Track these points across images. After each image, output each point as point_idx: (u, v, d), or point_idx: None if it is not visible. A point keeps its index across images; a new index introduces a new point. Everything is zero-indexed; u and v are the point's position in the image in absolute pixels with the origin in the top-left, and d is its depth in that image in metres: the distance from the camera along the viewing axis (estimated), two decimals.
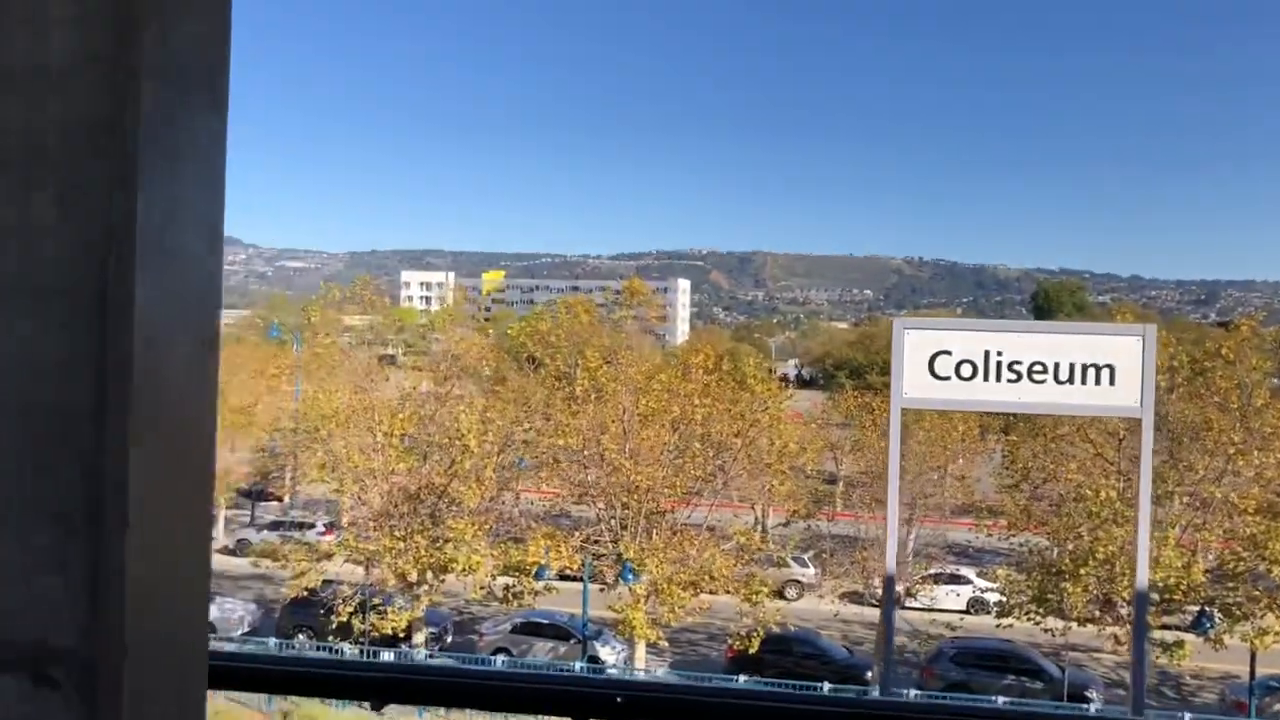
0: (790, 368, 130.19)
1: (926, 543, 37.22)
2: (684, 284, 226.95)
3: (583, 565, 26.53)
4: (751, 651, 26.65)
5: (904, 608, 33.88)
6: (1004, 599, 27.94)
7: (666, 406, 26.27)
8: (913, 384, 7.91)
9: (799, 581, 37.81)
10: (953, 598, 36.32)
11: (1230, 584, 22.89)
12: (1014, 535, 28.74)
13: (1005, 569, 29.33)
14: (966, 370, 7.76)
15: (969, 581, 37.41)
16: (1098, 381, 7.78)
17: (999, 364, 7.78)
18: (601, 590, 27.94)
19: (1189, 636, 24.59)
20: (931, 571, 35.74)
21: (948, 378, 7.82)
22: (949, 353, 7.73)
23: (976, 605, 36.34)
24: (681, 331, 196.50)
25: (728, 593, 27.37)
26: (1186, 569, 21.64)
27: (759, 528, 38.63)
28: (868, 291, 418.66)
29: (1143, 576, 8.13)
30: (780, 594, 36.50)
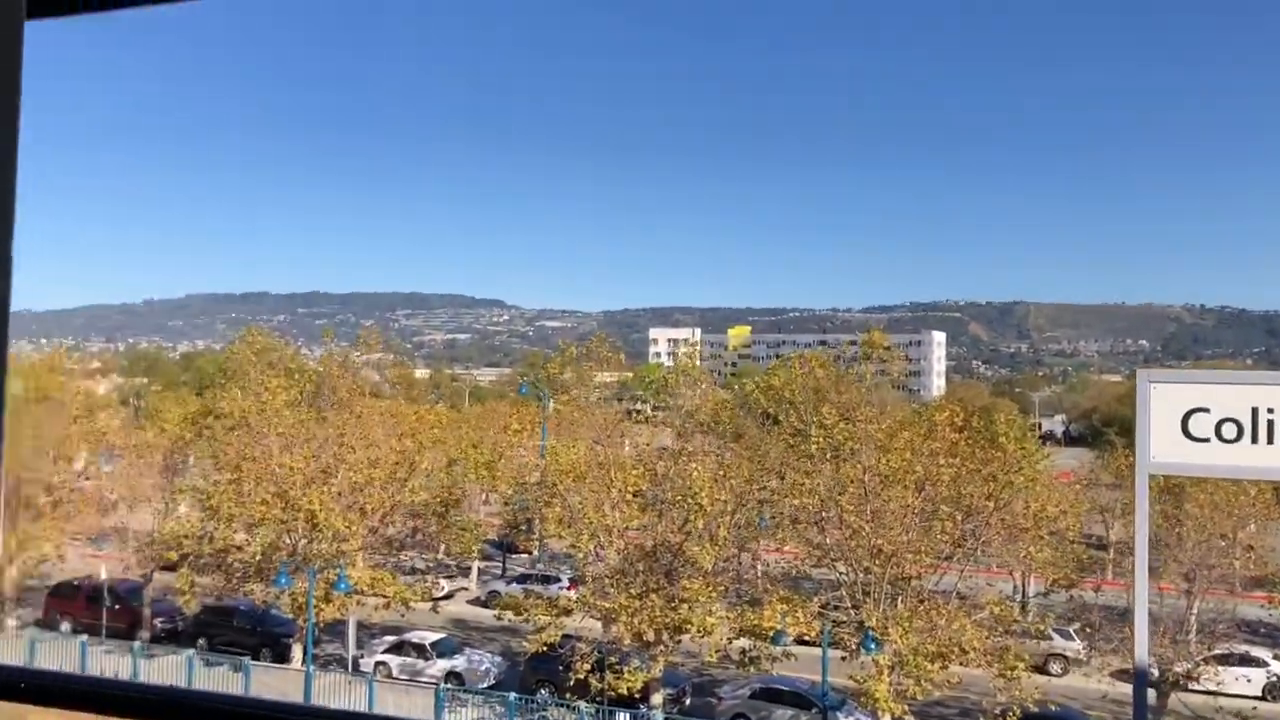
0: (1056, 424, 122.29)
1: (1213, 618, 33.46)
2: (938, 336, 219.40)
3: (821, 632, 25.43)
4: None
5: (1187, 690, 30.49)
6: None
7: (909, 466, 24.92)
8: (1163, 446, 6.83)
9: (1064, 656, 34.82)
10: (1243, 682, 32.36)
11: None
12: None
13: None
14: (1229, 431, 6.62)
15: (1265, 664, 33.26)
16: None
17: (1271, 423, 6.58)
18: (844, 659, 26.71)
19: None
20: (1218, 651, 32.00)
21: (1206, 439, 6.70)
22: (1206, 410, 6.63)
23: (1274, 691, 32.23)
24: (937, 386, 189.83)
25: (980, 666, 25.45)
26: None
27: (1017, 596, 36.05)
28: (1143, 342, 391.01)
29: None
30: (1041, 669, 33.76)
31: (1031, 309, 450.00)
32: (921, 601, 25.58)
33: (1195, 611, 33.26)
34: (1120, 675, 31.49)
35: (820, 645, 26.87)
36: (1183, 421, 6.71)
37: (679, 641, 26.70)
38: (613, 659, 26.55)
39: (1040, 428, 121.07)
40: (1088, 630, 32.66)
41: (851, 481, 25.47)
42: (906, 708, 24.88)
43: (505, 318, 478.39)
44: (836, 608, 26.38)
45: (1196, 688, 30.19)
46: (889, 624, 24.45)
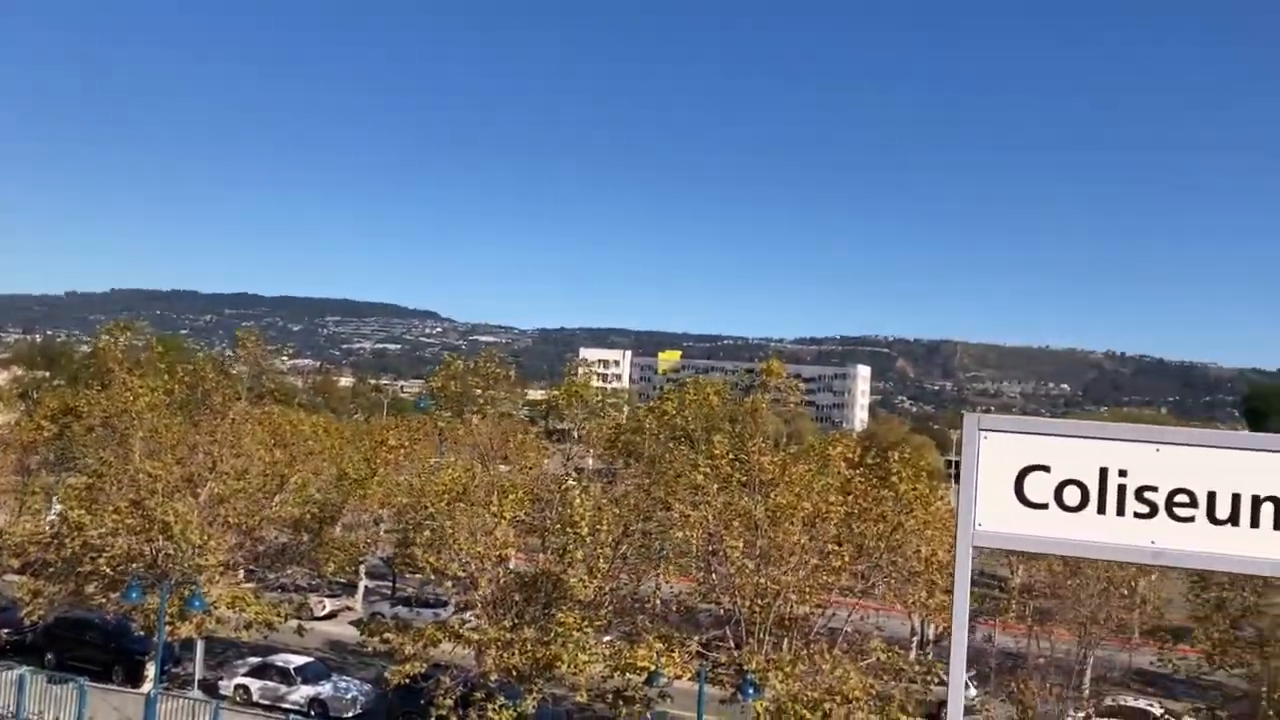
0: None
1: (1107, 668, 32.80)
2: (863, 370, 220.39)
3: (697, 675, 23.97)
4: None
5: None
6: None
7: (798, 502, 23.63)
8: (992, 512, 5.48)
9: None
10: None
11: None
12: (1208, 670, 24.49)
13: (1191, 706, 24.95)
14: (1073, 496, 5.30)
15: (1148, 716, 32.60)
16: (1277, 523, 5.21)
17: (1121, 489, 5.26)
18: (722, 702, 25.30)
19: None
20: (1109, 702, 31.28)
21: (1044, 505, 5.37)
22: (1047, 469, 5.30)
23: None
24: (860, 419, 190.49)
25: (864, 714, 24.14)
26: None
27: (915, 639, 35.04)
28: (1064, 386, 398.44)
29: None
30: (934, 716, 32.73)
31: (959, 348, 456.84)
32: (808, 644, 24.29)
33: (1090, 662, 32.56)
34: None
35: (709, 684, 25.46)
36: (1017, 482, 5.34)
37: (550, 678, 25.01)
38: (478, 695, 24.79)
39: (951, 466, 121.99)
40: (984, 675, 31.75)
41: (739, 515, 24.11)
42: None
43: (438, 330, 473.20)
44: (719, 646, 24.95)
45: None
46: (770, 668, 23.07)
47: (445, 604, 37.40)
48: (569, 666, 24.01)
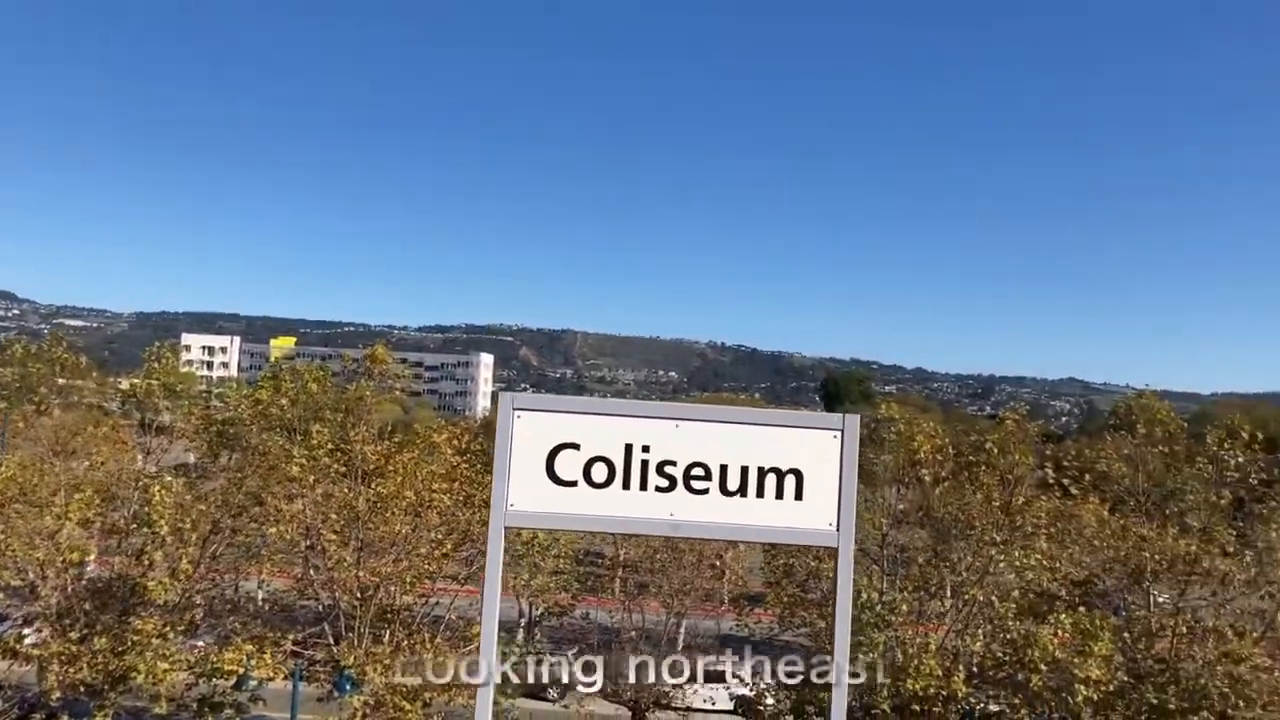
0: None
1: (698, 634, 35.27)
2: (486, 358, 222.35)
3: (291, 675, 22.90)
4: None
5: (668, 709, 31.58)
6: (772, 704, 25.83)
7: (400, 491, 23.18)
8: (525, 492, 5.44)
9: (560, 681, 34.93)
10: (710, 700, 34.24)
11: (991, 692, 21.53)
12: (779, 631, 26.91)
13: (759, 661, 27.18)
14: (600, 473, 5.35)
15: (725, 679, 35.42)
16: (779, 493, 5.53)
17: (645, 464, 5.38)
18: (320, 700, 24.36)
19: None
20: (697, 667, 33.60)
21: (573, 483, 5.39)
22: (576, 446, 5.32)
23: (745, 705, 34.36)
24: (482, 406, 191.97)
25: (464, 699, 24.22)
26: (947, 677, 20.11)
27: (523, 621, 35.70)
28: (672, 373, 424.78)
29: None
30: (537, 694, 33.64)
31: (579, 337, 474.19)
32: (410, 635, 23.90)
33: (683, 630, 34.81)
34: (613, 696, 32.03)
35: (304, 681, 24.37)
36: (549, 460, 5.33)
37: (125, 690, 22.80)
38: (37, 716, 22.10)
39: None
40: (581, 653, 33.00)
41: (339, 507, 23.25)
42: None
43: (15, 313, 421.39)
44: (316, 643, 23.96)
45: (679, 705, 31.32)
46: (369, 661, 22.45)
47: (4, 619, 33.18)
48: (146, 677, 21.96)
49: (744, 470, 5.49)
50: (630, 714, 25.99)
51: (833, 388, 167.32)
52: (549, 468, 5.40)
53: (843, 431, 5.54)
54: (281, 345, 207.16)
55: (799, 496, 5.46)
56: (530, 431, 5.44)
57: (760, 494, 5.48)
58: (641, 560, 36.67)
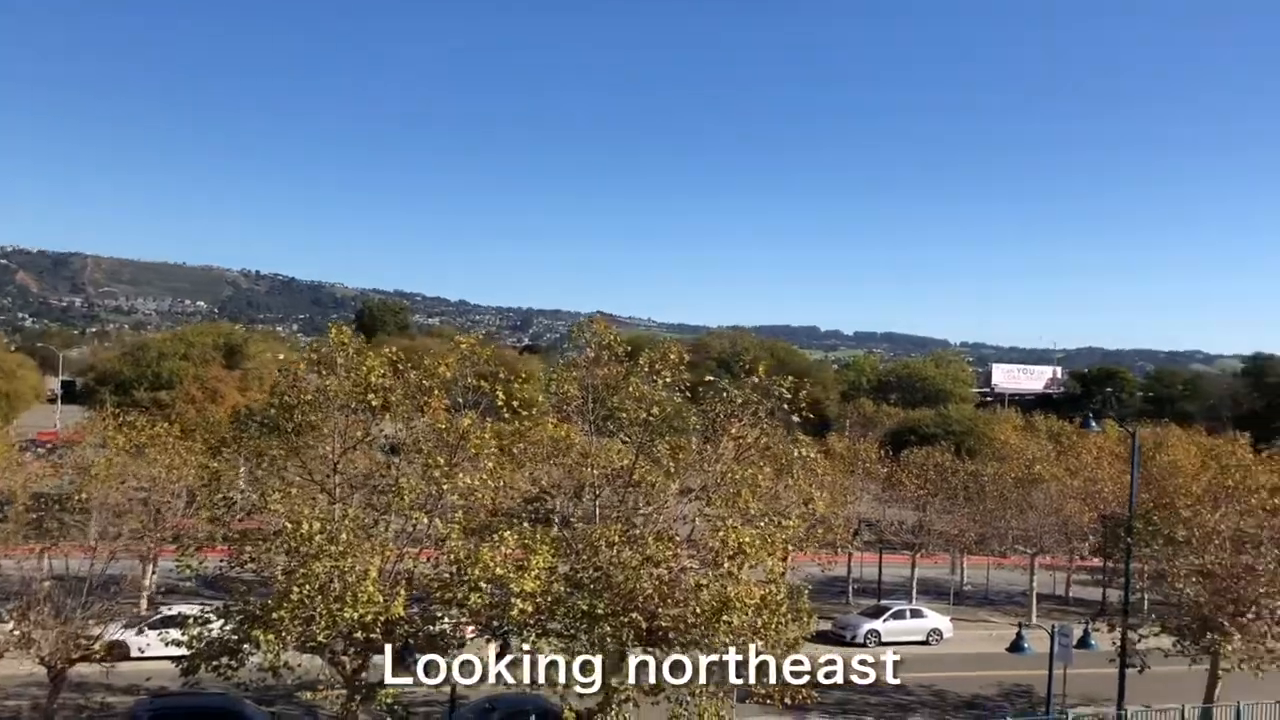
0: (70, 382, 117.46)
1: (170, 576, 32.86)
2: None
3: None
4: None
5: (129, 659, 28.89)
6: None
7: None
8: None
9: None
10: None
11: (440, 612, 21.62)
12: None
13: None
14: None
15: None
16: None
17: None
18: None
19: None
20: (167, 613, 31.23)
21: None
22: None
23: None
24: None
25: None
26: (388, 603, 19.82)
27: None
28: (201, 303, 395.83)
29: None
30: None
31: (90, 261, 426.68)
32: None
33: (153, 573, 32.02)
34: None
35: None
36: None
37: None
38: None
39: (48, 387, 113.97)
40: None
41: None
42: None
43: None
44: None
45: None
46: None
47: None
48: None
49: None
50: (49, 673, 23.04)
51: (368, 318, 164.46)
52: None
53: None
54: None
55: None
56: None
57: None
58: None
